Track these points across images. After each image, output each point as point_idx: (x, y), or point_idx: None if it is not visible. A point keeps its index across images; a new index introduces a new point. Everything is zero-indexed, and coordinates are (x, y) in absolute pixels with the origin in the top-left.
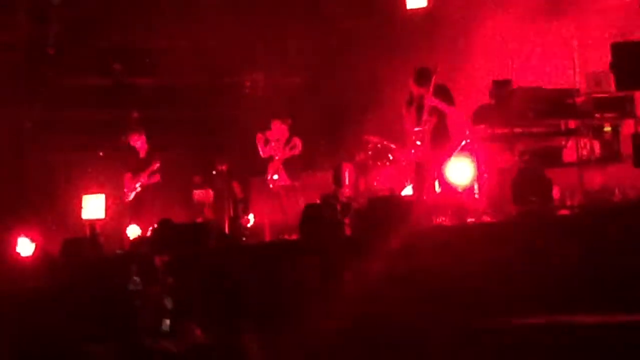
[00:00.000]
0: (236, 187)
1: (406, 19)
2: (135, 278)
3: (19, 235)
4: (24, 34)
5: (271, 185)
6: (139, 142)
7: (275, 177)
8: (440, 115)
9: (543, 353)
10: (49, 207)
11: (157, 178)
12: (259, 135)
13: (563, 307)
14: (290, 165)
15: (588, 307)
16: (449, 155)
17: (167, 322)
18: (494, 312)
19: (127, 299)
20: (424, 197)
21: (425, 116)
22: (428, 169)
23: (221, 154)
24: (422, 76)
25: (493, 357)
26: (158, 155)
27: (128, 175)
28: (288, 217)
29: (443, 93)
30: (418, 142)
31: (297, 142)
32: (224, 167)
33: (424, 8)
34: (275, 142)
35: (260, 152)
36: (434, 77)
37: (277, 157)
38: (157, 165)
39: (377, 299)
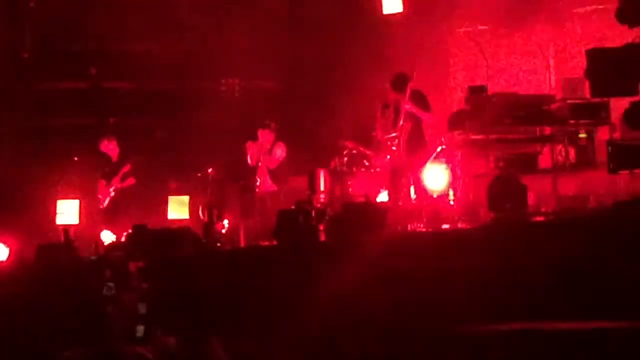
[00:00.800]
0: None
1: (383, 24)
2: (109, 284)
3: None
4: None
5: (257, 191)
6: (109, 147)
7: (257, 182)
8: (416, 121)
9: (521, 358)
10: (23, 212)
11: (131, 181)
12: (249, 144)
13: (538, 313)
14: (277, 171)
15: (563, 314)
16: (424, 161)
17: (141, 328)
18: (470, 318)
19: (101, 305)
20: (399, 203)
21: (400, 121)
22: (403, 175)
23: (199, 159)
24: (399, 81)
25: None
26: (130, 157)
27: (102, 183)
28: (264, 222)
29: (419, 98)
30: (393, 148)
31: (282, 146)
32: (199, 174)
33: (400, 13)
34: (261, 147)
35: (248, 160)
36: (410, 83)
37: (261, 163)
38: (128, 167)
39: (351, 305)
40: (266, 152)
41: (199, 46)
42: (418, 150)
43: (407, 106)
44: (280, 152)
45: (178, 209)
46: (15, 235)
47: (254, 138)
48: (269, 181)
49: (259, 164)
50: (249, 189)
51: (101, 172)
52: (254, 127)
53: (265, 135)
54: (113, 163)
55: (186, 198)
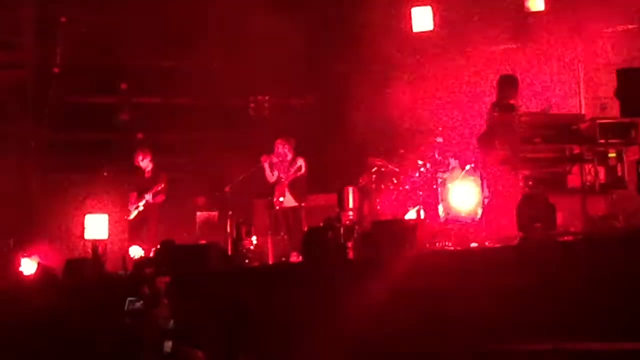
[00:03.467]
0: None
1: (413, 41)
2: (137, 299)
3: (22, 254)
4: (29, 52)
5: (277, 207)
6: (144, 161)
7: (282, 199)
8: None
9: None
10: (52, 226)
11: (161, 198)
12: (264, 157)
13: (567, 333)
14: (296, 187)
15: (591, 334)
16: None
17: (170, 344)
18: (497, 337)
19: (129, 320)
20: (428, 221)
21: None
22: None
23: (226, 175)
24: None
25: None
26: (163, 175)
27: (133, 195)
28: (293, 239)
29: None
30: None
31: (302, 162)
32: (227, 189)
33: (430, 31)
34: (280, 163)
35: (266, 175)
36: None
37: (282, 179)
38: (162, 185)
39: (380, 323)
40: (286, 167)
41: (228, 63)
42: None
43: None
44: (300, 166)
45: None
46: (43, 249)
47: (270, 152)
48: (290, 197)
49: (282, 179)
50: (275, 206)
51: (133, 185)
52: None
53: (282, 147)
54: (146, 178)
55: (214, 214)
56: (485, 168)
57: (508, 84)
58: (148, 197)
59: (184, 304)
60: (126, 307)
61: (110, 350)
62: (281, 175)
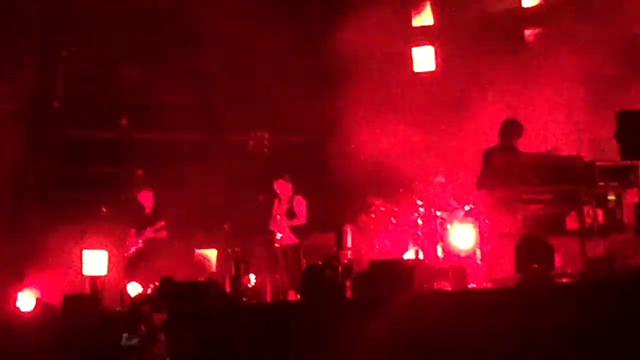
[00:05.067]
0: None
1: (413, 82)
2: (134, 336)
3: (20, 289)
4: (29, 86)
5: (276, 245)
6: (147, 198)
7: (280, 236)
8: None
9: None
10: (51, 261)
11: (163, 234)
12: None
13: None
14: (295, 225)
15: None
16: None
17: None
18: None
19: (126, 357)
20: (426, 261)
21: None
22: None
23: (225, 211)
24: None
25: None
26: (164, 211)
27: (132, 231)
28: (291, 278)
29: None
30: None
31: (301, 200)
32: (227, 226)
33: (431, 72)
34: (280, 201)
35: (274, 212)
36: None
37: (279, 216)
38: (163, 223)
39: None
40: (285, 205)
41: (228, 99)
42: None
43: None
44: (300, 205)
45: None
46: (42, 285)
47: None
48: (290, 234)
49: (278, 217)
50: (273, 244)
51: (132, 220)
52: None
53: (280, 187)
54: (146, 215)
55: (213, 251)
56: (484, 209)
57: (511, 127)
58: (149, 233)
59: (180, 341)
60: (123, 342)
61: None
62: (280, 212)
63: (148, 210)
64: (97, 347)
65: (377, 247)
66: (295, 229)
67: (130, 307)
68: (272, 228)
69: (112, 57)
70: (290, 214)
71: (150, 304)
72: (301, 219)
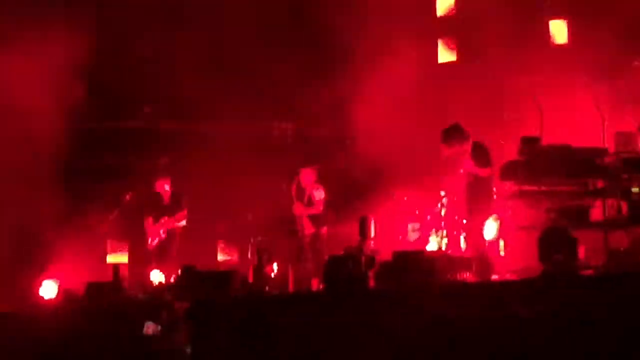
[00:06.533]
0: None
1: (437, 70)
2: (156, 324)
3: (43, 278)
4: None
5: (299, 234)
6: (164, 187)
7: (303, 226)
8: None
9: None
10: (74, 249)
11: (183, 224)
12: (294, 185)
13: None
14: (318, 214)
15: None
16: (481, 215)
17: None
18: None
19: (148, 345)
20: (449, 252)
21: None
22: (453, 224)
23: (248, 201)
24: (449, 136)
25: None
26: (185, 199)
27: (149, 220)
28: (314, 267)
29: (479, 153)
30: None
31: (321, 190)
32: (250, 216)
33: (454, 61)
34: (304, 190)
35: (294, 201)
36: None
37: (305, 206)
38: (185, 212)
39: (399, 353)
40: (309, 194)
41: (253, 89)
42: (474, 202)
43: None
44: (320, 195)
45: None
46: (65, 273)
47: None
48: (308, 223)
49: (304, 206)
50: (296, 233)
51: (149, 210)
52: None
53: (307, 175)
54: (164, 204)
55: (235, 241)
56: (508, 200)
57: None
58: (170, 222)
59: (202, 329)
60: (144, 331)
61: None
62: (303, 201)
63: (166, 199)
64: (118, 335)
65: (400, 237)
66: (313, 218)
67: (152, 295)
68: (296, 212)
69: (136, 46)
70: (310, 202)
71: (172, 292)
72: (318, 208)
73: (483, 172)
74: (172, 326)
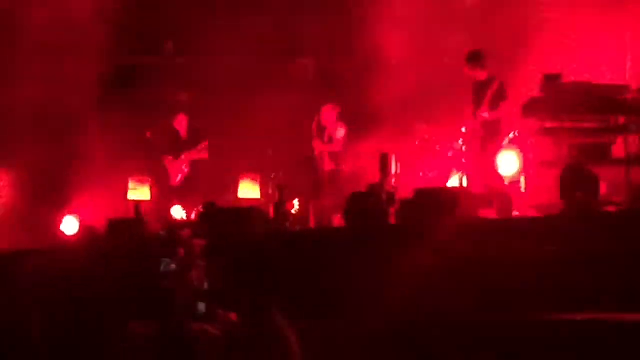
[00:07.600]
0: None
1: (459, 6)
2: (173, 260)
3: (64, 214)
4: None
5: (319, 171)
6: (182, 123)
7: (323, 162)
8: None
9: (591, 348)
10: (95, 186)
11: (205, 155)
12: (315, 122)
13: (609, 303)
14: (338, 151)
15: (632, 305)
16: (498, 149)
17: (203, 305)
18: (537, 306)
19: (165, 281)
20: (470, 189)
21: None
22: (475, 161)
23: (269, 138)
24: (475, 58)
25: (536, 351)
26: (204, 133)
27: (168, 158)
28: (334, 203)
29: (498, 88)
30: (463, 130)
31: (342, 127)
32: (270, 151)
33: None
34: (325, 127)
35: (314, 138)
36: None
37: (324, 143)
38: (206, 143)
39: (420, 290)
40: (330, 132)
41: (273, 24)
42: (493, 137)
43: (484, 114)
44: (340, 134)
45: (249, 187)
46: (86, 209)
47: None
48: (329, 161)
49: (324, 143)
50: (317, 170)
51: (168, 148)
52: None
53: (328, 113)
54: (183, 140)
55: (257, 177)
56: (529, 136)
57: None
58: (193, 154)
59: (220, 266)
60: (161, 268)
61: (147, 309)
62: (324, 139)
63: (183, 135)
64: (136, 271)
65: (421, 174)
66: (333, 155)
67: (169, 231)
68: (314, 148)
69: None
70: (330, 140)
71: (189, 228)
72: (337, 146)
73: (492, 114)
74: (188, 263)
